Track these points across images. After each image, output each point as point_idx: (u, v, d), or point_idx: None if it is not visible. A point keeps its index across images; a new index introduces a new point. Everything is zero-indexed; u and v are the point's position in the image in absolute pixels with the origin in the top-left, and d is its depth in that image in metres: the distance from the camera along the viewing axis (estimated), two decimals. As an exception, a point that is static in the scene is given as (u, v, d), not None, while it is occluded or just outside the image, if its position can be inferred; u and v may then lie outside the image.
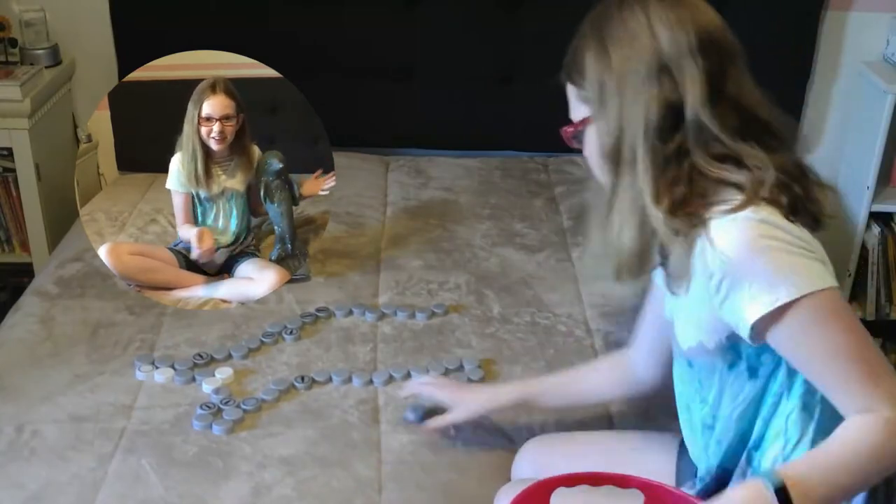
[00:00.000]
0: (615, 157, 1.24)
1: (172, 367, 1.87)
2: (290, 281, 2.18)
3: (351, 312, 2.08)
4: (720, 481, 1.37)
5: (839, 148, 2.97)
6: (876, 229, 2.82)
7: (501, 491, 1.53)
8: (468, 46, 2.82)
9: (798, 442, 1.27)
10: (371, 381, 1.85)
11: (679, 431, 1.48)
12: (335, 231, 2.42)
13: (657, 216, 1.21)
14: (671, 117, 1.21)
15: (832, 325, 1.16)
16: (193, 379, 1.85)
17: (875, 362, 1.16)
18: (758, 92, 1.26)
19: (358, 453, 1.66)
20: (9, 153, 2.62)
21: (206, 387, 1.82)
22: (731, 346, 1.26)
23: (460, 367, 1.89)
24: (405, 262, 2.29)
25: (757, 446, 1.31)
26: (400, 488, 1.59)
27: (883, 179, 2.83)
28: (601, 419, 1.76)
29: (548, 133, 2.92)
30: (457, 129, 2.92)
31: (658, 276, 1.36)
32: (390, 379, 1.86)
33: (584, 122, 1.29)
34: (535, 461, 1.60)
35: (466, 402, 1.67)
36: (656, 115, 1.21)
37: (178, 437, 1.69)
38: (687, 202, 1.22)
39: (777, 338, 1.18)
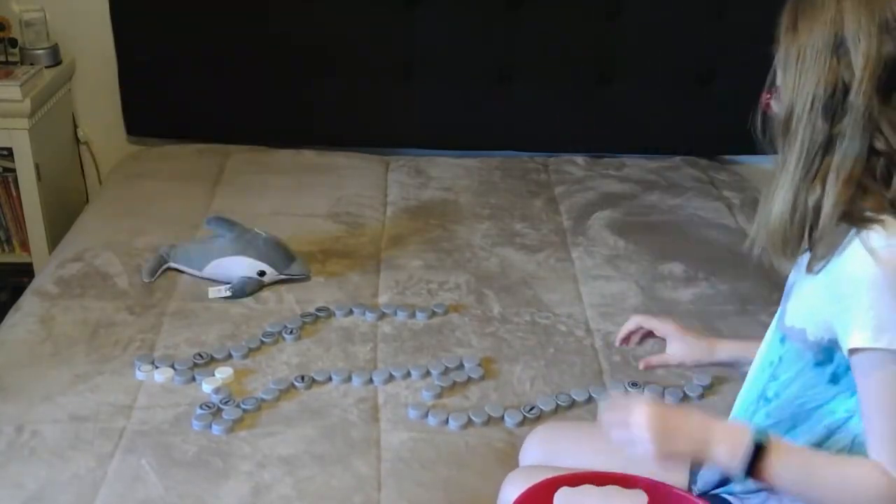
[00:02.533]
0: (785, 129, 1.23)
1: (172, 366, 1.87)
2: (291, 281, 2.17)
3: (351, 312, 2.08)
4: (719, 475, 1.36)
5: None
6: (876, 229, 2.81)
7: (509, 477, 1.52)
8: (468, 46, 2.82)
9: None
10: (371, 381, 1.85)
11: None
12: (335, 231, 2.42)
13: (811, 197, 1.20)
14: (841, 97, 1.18)
15: None
16: (193, 379, 1.85)
17: None
18: None
19: (357, 452, 1.66)
20: (9, 153, 2.62)
21: (206, 386, 1.82)
22: (828, 349, 1.25)
23: (460, 366, 1.89)
24: (405, 261, 2.29)
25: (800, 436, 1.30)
26: (399, 486, 1.59)
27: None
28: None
29: (548, 133, 2.96)
30: (457, 129, 2.92)
31: None
32: (390, 378, 1.86)
33: (775, 89, 1.26)
34: (543, 448, 1.59)
35: (682, 351, 1.58)
36: (824, 92, 1.18)
37: (177, 436, 1.69)
38: (845, 195, 1.19)
39: (859, 370, 1.18)
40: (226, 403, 1.76)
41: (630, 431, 1.19)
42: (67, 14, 2.81)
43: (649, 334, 1.62)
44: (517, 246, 2.38)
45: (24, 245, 2.73)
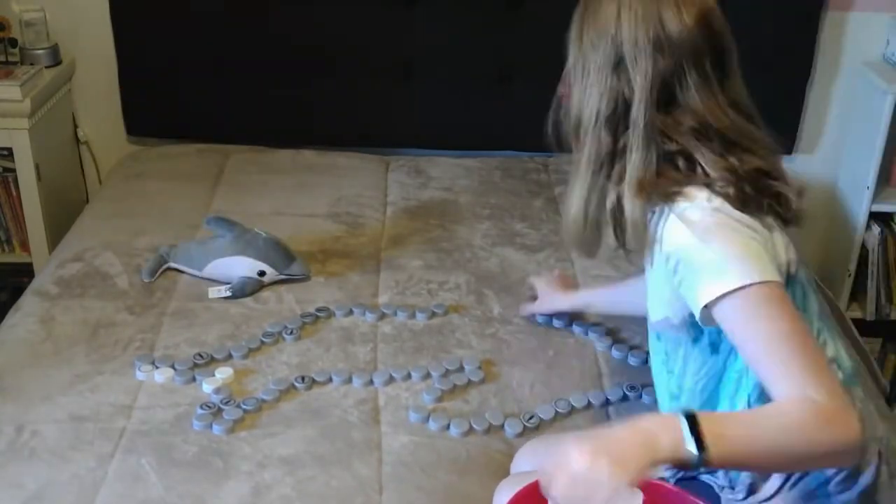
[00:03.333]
0: (574, 135, 1.34)
1: (172, 366, 1.87)
2: (291, 281, 2.18)
3: (351, 312, 2.08)
4: None
5: (839, 148, 2.97)
6: (876, 229, 2.82)
7: (501, 485, 1.53)
8: (468, 46, 2.82)
9: None
10: (371, 381, 1.85)
11: None
12: (335, 231, 2.42)
13: (609, 198, 1.32)
14: (623, 111, 1.28)
15: (776, 313, 1.19)
16: (193, 379, 1.85)
17: (813, 355, 1.18)
18: (728, 95, 1.30)
19: (358, 453, 1.66)
20: (9, 153, 2.62)
21: (207, 386, 1.82)
22: (694, 323, 1.30)
23: (460, 368, 1.89)
24: (405, 262, 2.29)
25: None
26: (400, 489, 1.59)
27: (883, 179, 2.83)
28: (600, 422, 1.76)
29: (548, 133, 2.95)
30: (457, 129, 2.92)
31: None
32: (390, 379, 1.86)
33: (566, 90, 1.38)
34: (533, 462, 1.60)
35: (552, 300, 2.01)
36: (606, 108, 1.28)
37: (178, 436, 1.69)
38: (633, 187, 1.29)
39: (724, 320, 1.22)
40: (226, 403, 1.76)
41: (581, 485, 1.10)
42: (67, 14, 2.81)
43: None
44: (517, 246, 2.38)
45: (24, 245, 2.73)
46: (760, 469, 1.27)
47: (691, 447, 1.10)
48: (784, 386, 1.16)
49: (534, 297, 2.06)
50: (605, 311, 2.00)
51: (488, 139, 2.94)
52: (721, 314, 1.21)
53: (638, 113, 1.27)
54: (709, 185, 1.25)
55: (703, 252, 1.21)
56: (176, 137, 2.90)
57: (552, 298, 2.02)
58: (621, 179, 1.30)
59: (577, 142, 1.34)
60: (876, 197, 2.80)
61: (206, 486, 1.58)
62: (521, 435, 1.73)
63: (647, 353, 1.89)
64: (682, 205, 1.25)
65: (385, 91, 2.87)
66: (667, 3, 1.27)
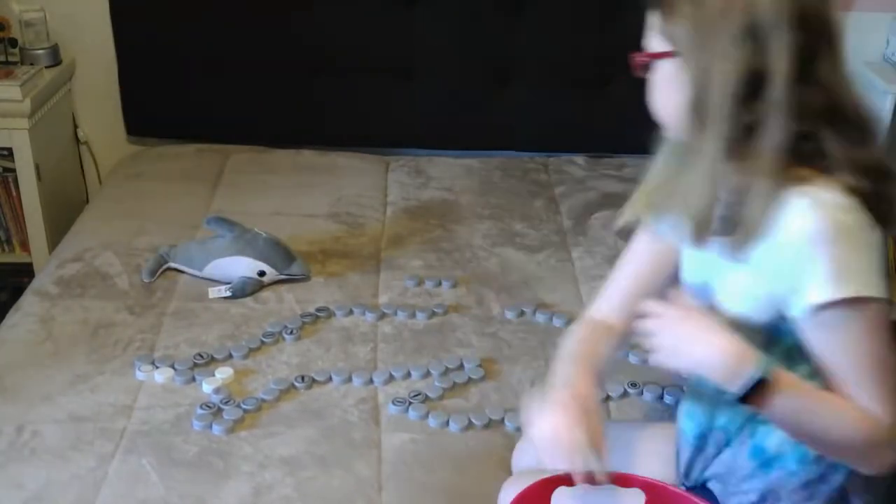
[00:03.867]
0: (697, 110, 1.20)
1: (172, 367, 1.87)
2: (291, 281, 2.18)
3: (351, 312, 2.08)
4: (714, 446, 1.37)
5: (839, 148, 2.97)
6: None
7: (505, 484, 1.53)
8: (468, 46, 2.82)
9: None
10: (371, 381, 1.85)
11: (675, 421, 1.47)
12: (335, 231, 2.42)
13: (733, 178, 1.20)
14: (755, 84, 1.17)
15: (878, 335, 1.17)
16: (193, 379, 1.85)
17: (890, 380, 1.18)
18: (850, 80, 1.22)
19: (358, 453, 1.66)
20: (9, 153, 2.62)
21: (207, 387, 1.82)
22: (774, 332, 1.25)
23: (460, 366, 1.89)
24: (405, 262, 2.29)
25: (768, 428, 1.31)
26: (400, 488, 1.59)
27: (883, 179, 2.83)
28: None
29: (548, 133, 2.96)
30: (457, 129, 2.92)
31: (669, 232, 1.36)
32: (390, 378, 1.86)
33: (664, 55, 1.23)
34: (535, 454, 1.59)
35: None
36: (739, 80, 1.17)
37: (178, 436, 1.69)
38: (765, 171, 1.18)
39: (820, 327, 1.18)
40: (226, 403, 1.76)
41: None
42: (67, 14, 2.81)
43: None
44: (517, 246, 2.38)
45: (24, 245, 2.73)
46: (797, 434, 1.24)
47: (734, 397, 1.16)
48: (856, 397, 1.18)
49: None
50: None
51: (488, 139, 2.94)
52: (820, 322, 1.18)
53: (777, 89, 1.16)
54: (841, 176, 1.18)
55: (828, 249, 1.15)
56: (176, 137, 2.90)
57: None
58: (751, 161, 1.19)
59: (696, 117, 1.21)
60: (876, 197, 2.79)
61: (207, 487, 1.58)
62: (521, 428, 1.73)
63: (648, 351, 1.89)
64: (814, 195, 1.16)
65: (385, 91, 2.87)
66: None
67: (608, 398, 1.82)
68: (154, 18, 2.77)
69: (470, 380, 1.86)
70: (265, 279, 2.15)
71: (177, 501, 1.55)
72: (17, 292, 2.23)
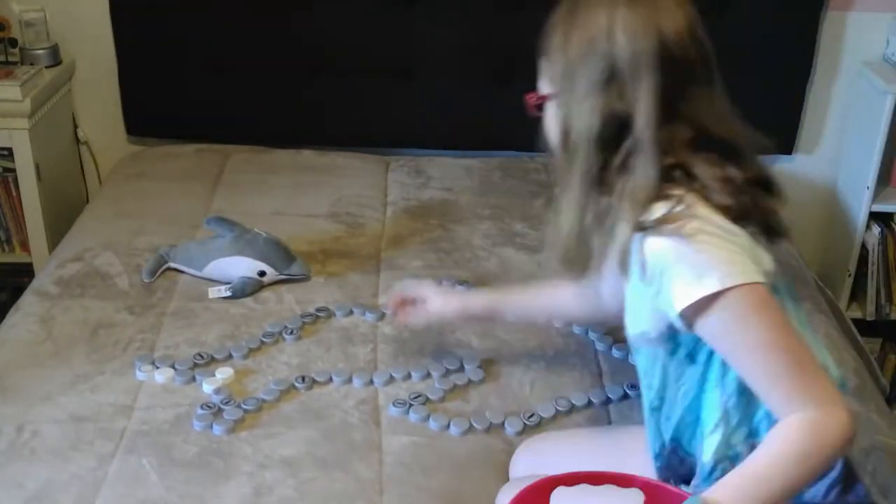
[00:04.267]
0: (564, 148, 1.28)
1: (173, 367, 1.87)
2: (290, 281, 2.18)
3: (351, 312, 2.07)
4: (677, 456, 1.40)
5: (839, 148, 2.97)
6: (876, 229, 2.82)
7: (502, 491, 1.53)
8: (468, 46, 2.82)
9: (738, 425, 1.30)
10: (371, 382, 1.85)
11: None
12: (335, 231, 2.42)
13: (594, 213, 1.27)
14: (617, 127, 1.22)
15: (756, 319, 1.19)
16: (194, 379, 1.84)
17: (801, 359, 1.19)
18: (723, 111, 1.27)
19: (359, 455, 1.66)
20: (9, 153, 2.62)
21: (207, 387, 1.81)
22: (671, 336, 1.29)
23: (461, 368, 1.89)
24: (405, 262, 2.29)
25: (704, 429, 1.34)
26: (401, 491, 1.59)
27: (883, 179, 2.83)
28: (601, 420, 1.76)
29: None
30: (457, 129, 2.92)
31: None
32: (391, 379, 1.86)
33: (544, 98, 1.34)
34: (531, 461, 1.61)
35: (440, 304, 1.77)
36: (601, 123, 1.22)
37: (178, 437, 1.69)
38: (632, 205, 1.24)
39: (704, 328, 1.21)
40: (226, 404, 1.76)
41: None
42: (67, 14, 2.81)
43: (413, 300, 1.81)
44: (517, 246, 2.38)
45: (24, 245, 2.73)
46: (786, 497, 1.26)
47: None
48: (776, 403, 1.20)
49: (405, 302, 1.83)
50: (516, 318, 1.84)
51: (488, 139, 2.93)
52: (702, 324, 1.21)
53: (641, 129, 1.21)
54: (706, 196, 1.22)
55: (681, 256, 1.19)
56: (176, 137, 2.90)
57: (445, 299, 1.79)
58: (620, 196, 1.26)
59: (565, 153, 1.28)
60: (876, 197, 2.80)
61: (207, 487, 1.58)
62: (521, 433, 1.73)
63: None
64: (656, 209, 1.22)
65: (385, 91, 2.87)
66: (659, 14, 1.23)
67: (608, 400, 1.82)
68: (154, 18, 2.76)
69: (470, 381, 1.86)
70: (265, 279, 2.15)
71: (177, 502, 1.55)
72: (18, 292, 2.23)
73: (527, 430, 1.74)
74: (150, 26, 2.78)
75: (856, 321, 2.57)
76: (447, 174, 2.77)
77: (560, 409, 1.79)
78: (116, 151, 2.92)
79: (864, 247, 2.85)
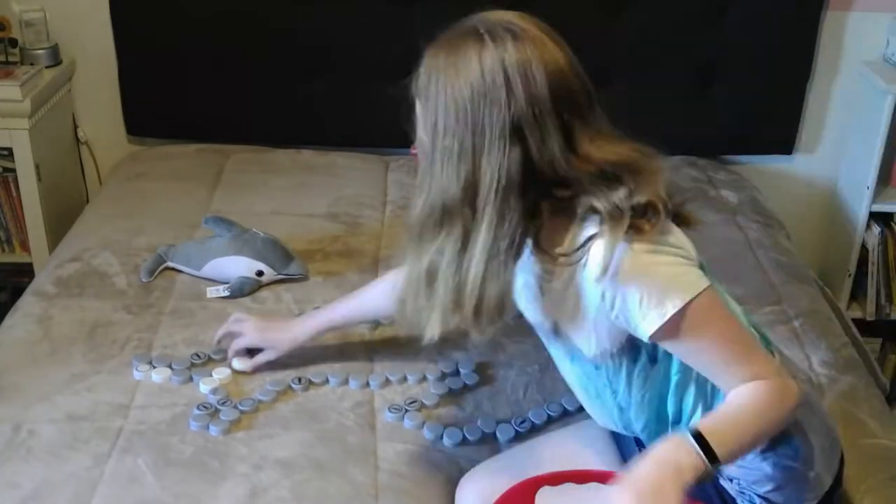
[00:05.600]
0: (468, 205, 1.24)
1: (170, 366, 1.87)
2: (289, 280, 2.18)
3: (349, 312, 2.08)
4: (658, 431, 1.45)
5: (839, 148, 2.97)
6: (876, 229, 2.82)
7: (463, 481, 1.58)
8: (468, 46, 2.81)
9: (713, 392, 1.38)
10: (367, 384, 1.85)
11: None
12: (334, 231, 2.42)
13: (528, 259, 1.29)
14: (526, 173, 1.22)
15: (713, 320, 1.27)
16: (191, 379, 1.85)
17: (748, 344, 1.31)
18: (607, 128, 1.29)
19: (354, 459, 1.66)
20: (9, 153, 2.62)
21: (204, 387, 1.82)
22: (632, 346, 1.35)
23: (456, 371, 1.89)
24: (404, 261, 2.28)
25: (678, 420, 1.41)
26: (395, 494, 1.59)
27: (883, 179, 2.83)
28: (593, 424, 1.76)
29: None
30: (457, 129, 2.91)
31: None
32: (386, 382, 1.86)
33: (431, 147, 1.30)
34: (479, 486, 1.58)
35: (277, 342, 1.84)
36: (511, 173, 1.21)
37: (174, 437, 1.69)
38: (552, 242, 1.27)
39: (671, 342, 1.27)
40: (223, 404, 1.76)
41: None
42: (67, 14, 2.81)
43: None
44: (515, 246, 2.37)
45: (24, 245, 2.73)
46: (750, 450, 1.35)
47: (706, 460, 1.22)
48: (734, 381, 1.30)
49: (232, 335, 1.88)
50: (349, 326, 1.90)
51: (488, 139, 2.93)
52: (665, 339, 1.26)
53: (546, 171, 1.22)
54: (619, 223, 1.23)
55: (637, 284, 1.23)
56: (176, 137, 2.90)
57: (282, 337, 1.85)
58: (534, 242, 1.27)
59: (466, 208, 1.24)
60: (876, 197, 2.80)
61: (203, 487, 1.58)
62: (512, 440, 1.73)
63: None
64: (603, 246, 1.22)
65: (385, 91, 2.86)
66: (542, 47, 1.23)
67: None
68: (154, 18, 2.77)
69: (465, 385, 1.86)
70: (263, 279, 2.15)
71: (172, 502, 1.55)
72: (18, 292, 2.23)
73: (518, 437, 1.74)
74: (150, 26, 2.78)
75: (856, 321, 2.57)
76: (447, 174, 2.76)
77: (552, 413, 1.78)
78: (116, 151, 2.92)
79: (864, 247, 2.85)
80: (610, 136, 1.28)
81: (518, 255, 1.25)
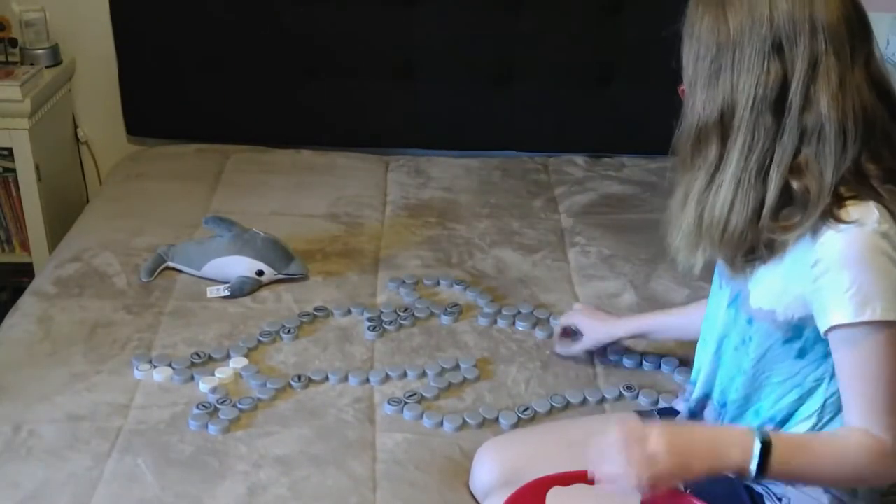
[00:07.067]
0: (724, 126, 1.25)
1: (170, 366, 1.87)
2: (289, 280, 2.18)
3: (349, 312, 2.08)
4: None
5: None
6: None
7: (481, 450, 1.58)
8: (468, 46, 2.82)
9: (831, 421, 1.32)
10: (367, 380, 1.85)
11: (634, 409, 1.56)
12: (334, 231, 2.42)
13: (760, 191, 1.23)
14: (780, 94, 1.21)
15: (893, 357, 1.19)
16: (192, 378, 1.85)
17: None
18: (885, 82, 1.27)
19: (353, 452, 1.66)
20: (9, 153, 2.62)
21: (203, 386, 1.82)
22: (797, 326, 1.29)
23: (456, 367, 1.89)
24: (404, 261, 2.29)
25: (772, 419, 1.35)
26: (394, 487, 1.59)
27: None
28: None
29: (548, 133, 2.96)
30: (457, 129, 2.92)
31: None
32: (386, 378, 1.86)
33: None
34: (494, 469, 1.57)
35: (596, 330, 1.85)
36: (769, 92, 1.21)
37: (174, 436, 1.69)
38: (802, 185, 1.22)
39: (843, 347, 1.22)
40: (223, 403, 1.76)
41: (639, 466, 1.17)
42: (67, 14, 2.81)
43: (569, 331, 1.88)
44: (515, 246, 2.38)
45: (24, 245, 2.73)
46: (808, 485, 1.31)
47: (753, 468, 1.18)
48: (864, 421, 1.22)
49: (567, 333, 1.92)
50: (662, 338, 1.87)
51: (488, 139, 2.94)
52: (840, 341, 1.21)
53: (813, 93, 1.21)
54: (878, 196, 1.20)
55: (854, 273, 1.18)
56: (176, 137, 2.90)
57: (602, 328, 1.85)
58: (787, 167, 1.23)
59: (721, 135, 1.25)
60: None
61: (202, 486, 1.58)
62: (515, 426, 1.73)
63: (641, 355, 1.89)
64: (850, 214, 1.19)
65: (385, 91, 2.88)
66: None
67: (603, 399, 1.82)
68: (154, 18, 2.77)
69: (465, 380, 1.86)
70: (263, 279, 2.15)
71: (172, 501, 1.55)
72: (18, 292, 2.23)
73: (521, 423, 1.74)
74: (150, 26, 2.78)
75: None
76: (446, 174, 2.77)
77: (555, 404, 1.78)
78: (116, 151, 2.92)
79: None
80: (883, 90, 1.26)
81: (766, 186, 1.22)
